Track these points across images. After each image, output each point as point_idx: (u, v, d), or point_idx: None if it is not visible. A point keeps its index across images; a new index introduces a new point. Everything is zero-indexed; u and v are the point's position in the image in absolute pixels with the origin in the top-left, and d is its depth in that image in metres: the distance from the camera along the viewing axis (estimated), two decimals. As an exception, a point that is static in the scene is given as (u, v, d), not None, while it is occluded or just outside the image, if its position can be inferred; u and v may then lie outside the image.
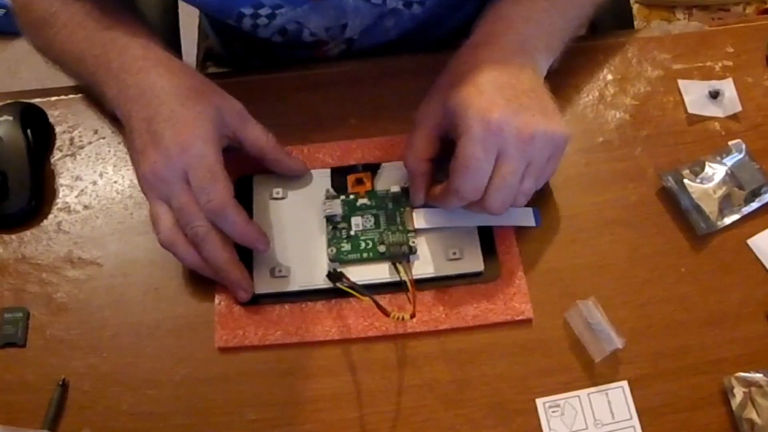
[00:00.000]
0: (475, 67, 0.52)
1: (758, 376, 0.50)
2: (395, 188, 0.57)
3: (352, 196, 0.58)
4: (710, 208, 0.57)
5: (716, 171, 0.58)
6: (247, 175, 0.59)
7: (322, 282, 0.54)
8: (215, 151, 0.53)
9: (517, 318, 0.54)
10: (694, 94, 0.63)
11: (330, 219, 0.57)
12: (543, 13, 0.56)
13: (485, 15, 0.57)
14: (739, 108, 0.62)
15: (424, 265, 0.55)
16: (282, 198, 0.59)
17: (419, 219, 0.56)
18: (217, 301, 0.55)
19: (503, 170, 0.50)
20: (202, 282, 0.56)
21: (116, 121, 0.63)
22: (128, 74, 0.55)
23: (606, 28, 0.76)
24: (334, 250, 0.55)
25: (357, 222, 0.57)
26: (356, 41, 0.68)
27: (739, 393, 0.50)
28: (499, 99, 0.50)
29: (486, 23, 0.56)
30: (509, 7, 0.56)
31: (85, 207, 0.61)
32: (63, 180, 0.62)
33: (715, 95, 0.62)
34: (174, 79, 0.54)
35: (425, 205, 0.56)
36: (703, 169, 0.58)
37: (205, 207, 0.51)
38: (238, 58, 0.82)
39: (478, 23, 0.57)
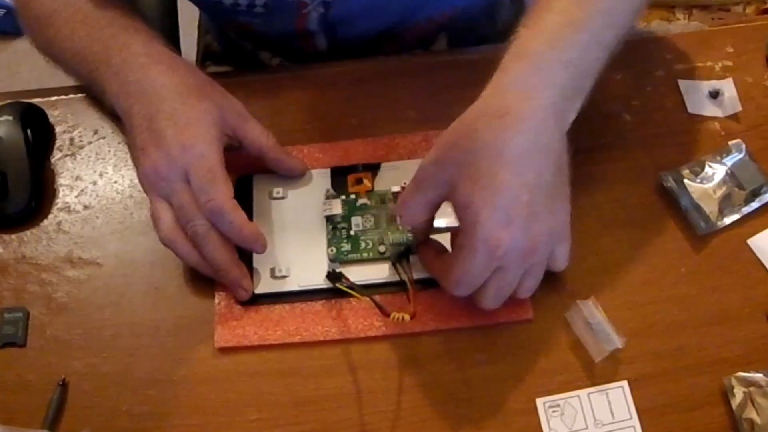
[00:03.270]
0: (497, 154, 0.46)
1: (758, 376, 0.50)
2: (395, 188, 0.57)
3: (352, 196, 0.58)
4: (710, 208, 0.57)
5: (716, 171, 0.58)
6: (247, 174, 0.59)
7: (322, 282, 0.54)
8: (216, 151, 0.53)
9: (517, 318, 0.54)
10: (694, 94, 0.63)
11: (330, 219, 0.57)
12: (581, 51, 0.49)
13: (515, 52, 0.49)
14: (739, 108, 0.62)
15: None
16: (282, 198, 0.59)
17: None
18: (217, 300, 0.55)
19: (500, 281, 0.49)
20: (202, 282, 0.56)
21: (116, 121, 0.63)
22: (130, 71, 0.55)
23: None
24: (334, 250, 0.55)
25: (357, 222, 0.57)
26: (332, 5, 0.66)
27: (739, 393, 0.50)
28: (512, 219, 0.46)
29: (519, 70, 0.48)
30: (544, 48, 0.48)
31: (85, 207, 0.61)
32: (63, 180, 0.62)
33: (715, 95, 0.62)
34: (176, 77, 0.55)
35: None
36: (703, 169, 0.58)
37: (204, 206, 0.51)
38: (231, 44, 0.82)
39: (507, 61, 0.49)
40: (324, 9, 0.67)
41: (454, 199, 0.48)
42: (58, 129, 0.64)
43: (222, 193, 0.52)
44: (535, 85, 0.48)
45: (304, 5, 0.66)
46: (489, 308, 0.51)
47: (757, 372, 0.50)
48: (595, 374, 0.52)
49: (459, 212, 0.48)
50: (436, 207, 0.51)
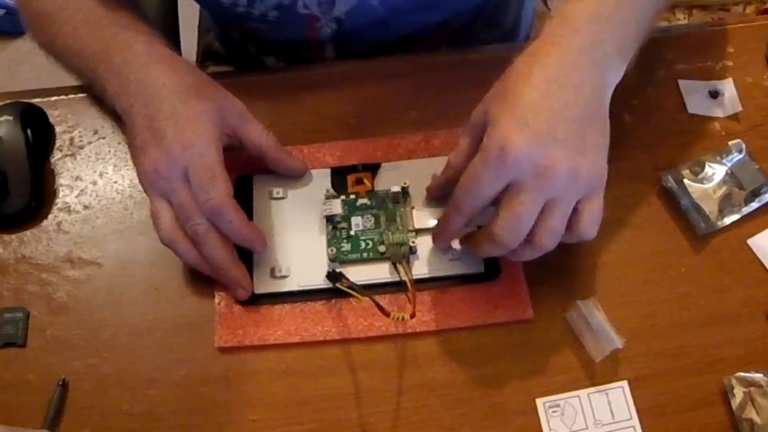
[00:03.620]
0: (525, 78, 0.48)
1: (758, 376, 0.50)
2: (395, 188, 0.57)
3: (352, 196, 0.58)
4: (710, 208, 0.57)
5: (716, 171, 0.58)
6: (247, 174, 0.59)
7: (322, 282, 0.54)
8: (216, 150, 0.53)
9: (517, 318, 0.54)
10: (694, 94, 0.63)
11: (330, 219, 0.57)
12: (613, 9, 0.50)
13: (551, 16, 0.51)
14: (739, 108, 0.62)
15: (424, 265, 0.55)
16: (282, 198, 0.59)
17: (419, 219, 0.56)
18: (217, 300, 0.55)
19: (512, 202, 0.47)
20: (202, 282, 0.56)
21: (116, 121, 0.63)
22: (130, 70, 0.55)
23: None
24: (334, 250, 0.55)
25: (357, 222, 0.57)
26: (345, 21, 0.67)
27: (739, 393, 0.50)
28: (529, 127, 0.46)
29: (550, 25, 0.51)
30: (575, 5, 0.50)
31: (85, 207, 0.61)
32: (63, 180, 0.62)
33: (715, 95, 0.62)
34: (176, 77, 0.55)
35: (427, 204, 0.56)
36: (703, 169, 0.58)
37: (203, 206, 0.51)
38: (235, 46, 0.81)
39: (543, 25, 0.51)
40: (336, 25, 0.67)
41: (486, 125, 0.48)
42: (58, 129, 0.64)
43: (221, 192, 0.52)
44: (565, 33, 0.50)
45: (316, 19, 0.66)
46: (506, 243, 0.48)
47: (757, 372, 0.50)
48: (595, 374, 0.52)
49: (485, 130, 0.48)
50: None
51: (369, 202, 0.57)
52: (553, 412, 0.51)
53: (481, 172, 0.47)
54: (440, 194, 0.55)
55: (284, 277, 0.55)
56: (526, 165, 0.46)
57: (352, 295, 0.53)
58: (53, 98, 0.66)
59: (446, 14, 0.72)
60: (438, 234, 0.54)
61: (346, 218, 0.57)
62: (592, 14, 0.50)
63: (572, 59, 0.49)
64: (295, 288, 0.55)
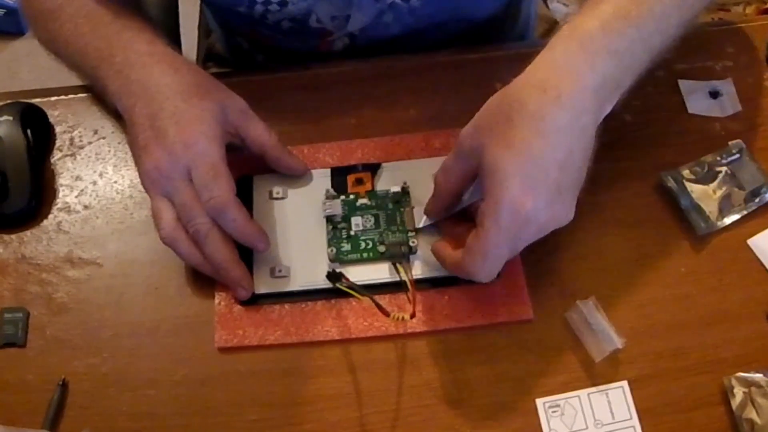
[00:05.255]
0: (529, 123, 0.46)
1: (758, 376, 0.50)
2: (395, 188, 0.57)
3: (352, 196, 0.58)
4: (710, 208, 0.57)
5: (716, 171, 0.58)
6: (247, 174, 0.59)
7: (322, 282, 0.54)
8: (218, 149, 0.53)
9: (517, 318, 0.54)
10: (694, 94, 0.63)
11: (330, 219, 0.57)
12: (629, 44, 0.49)
13: (566, 32, 0.49)
14: (739, 108, 0.62)
15: (424, 265, 0.55)
16: (282, 198, 0.59)
17: (419, 219, 0.56)
18: (217, 301, 0.55)
19: (488, 241, 0.47)
20: (202, 282, 0.56)
21: (116, 121, 0.63)
22: (132, 69, 0.55)
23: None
24: (334, 250, 0.55)
25: (357, 222, 0.57)
26: (358, 37, 0.68)
27: (739, 393, 0.50)
28: (537, 189, 0.46)
29: (567, 49, 0.48)
30: (595, 32, 0.48)
31: (85, 207, 0.61)
32: (63, 180, 0.62)
33: (715, 95, 0.62)
34: (177, 76, 0.55)
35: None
36: (703, 169, 0.58)
37: (206, 204, 0.51)
38: (241, 54, 0.81)
39: (555, 39, 0.49)
40: (349, 40, 0.67)
41: (484, 162, 0.47)
42: (58, 129, 0.64)
43: (225, 190, 0.52)
44: (581, 65, 0.48)
45: (329, 33, 0.67)
46: (480, 279, 0.49)
47: (757, 372, 0.50)
48: (595, 374, 0.52)
49: (486, 177, 0.47)
50: (470, 178, 0.51)
51: (369, 202, 0.57)
52: (553, 412, 0.51)
53: (497, 239, 0.47)
54: (441, 214, 0.55)
55: (284, 277, 0.55)
56: (531, 224, 0.47)
57: (352, 295, 0.53)
58: (53, 98, 0.66)
59: (459, 31, 0.73)
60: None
61: (346, 218, 0.57)
62: (610, 51, 0.48)
63: (585, 98, 0.47)
64: (295, 288, 0.55)
